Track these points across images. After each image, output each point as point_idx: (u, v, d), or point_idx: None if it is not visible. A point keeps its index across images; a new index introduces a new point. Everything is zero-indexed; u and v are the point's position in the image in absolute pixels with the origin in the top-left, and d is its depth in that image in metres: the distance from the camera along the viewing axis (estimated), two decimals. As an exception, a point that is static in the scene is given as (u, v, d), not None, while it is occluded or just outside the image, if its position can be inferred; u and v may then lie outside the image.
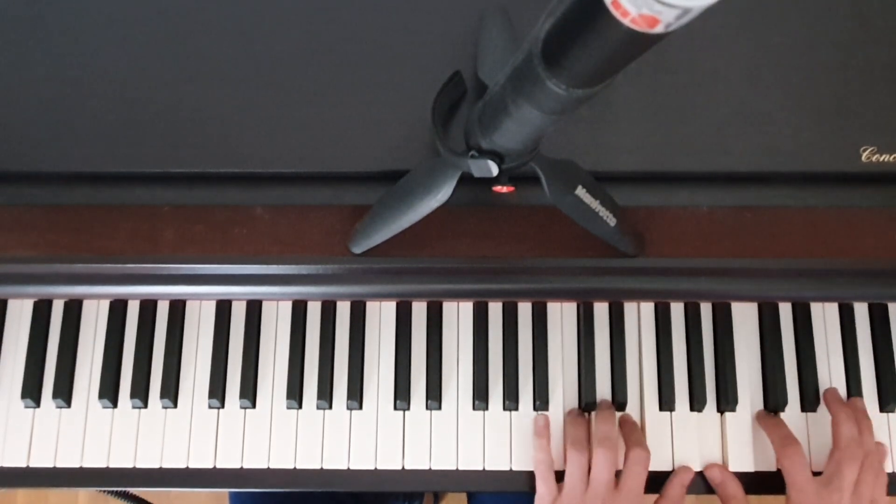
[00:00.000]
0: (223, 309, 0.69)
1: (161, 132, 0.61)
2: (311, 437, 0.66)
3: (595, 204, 0.54)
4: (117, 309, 0.69)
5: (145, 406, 0.67)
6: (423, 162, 0.55)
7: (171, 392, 0.67)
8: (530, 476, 0.65)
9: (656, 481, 0.65)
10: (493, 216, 0.61)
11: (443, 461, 0.66)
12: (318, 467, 0.66)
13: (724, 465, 0.66)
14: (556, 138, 0.59)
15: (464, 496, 0.89)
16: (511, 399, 0.67)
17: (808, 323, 0.68)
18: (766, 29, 0.62)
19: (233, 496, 0.84)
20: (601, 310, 0.69)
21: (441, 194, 0.52)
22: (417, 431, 0.67)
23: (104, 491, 0.89)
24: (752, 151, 0.60)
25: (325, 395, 0.66)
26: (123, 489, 0.89)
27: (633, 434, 0.65)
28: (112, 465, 0.66)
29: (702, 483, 0.66)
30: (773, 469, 0.66)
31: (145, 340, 0.68)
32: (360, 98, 0.61)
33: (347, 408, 0.67)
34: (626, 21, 0.27)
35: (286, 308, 0.69)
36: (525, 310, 0.69)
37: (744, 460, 0.66)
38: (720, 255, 0.61)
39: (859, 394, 0.67)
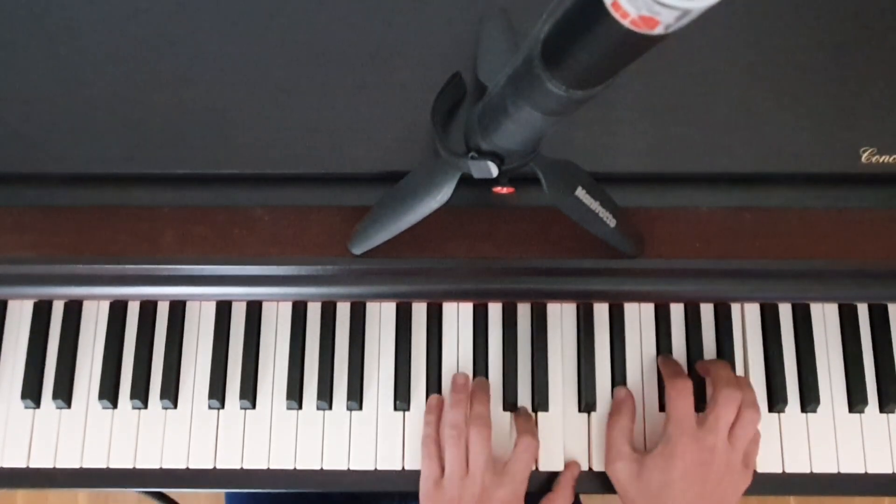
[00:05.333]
0: (223, 310, 0.69)
1: (161, 133, 0.61)
2: (311, 437, 0.66)
3: (595, 205, 0.54)
4: (117, 309, 0.69)
5: (145, 407, 0.67)
6: (423, 163, 0.55)
7: (171, 393, 0.67)
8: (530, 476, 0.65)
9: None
10: (493, 217, 0.61)
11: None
12: (318, 468, 0.66)
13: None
14: (556, 139, 0.59)
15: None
16: (510, 400, 0.67)
17: (808, 323, 0.68)
18: (766, 29, 0.62)
19: (229, 496, 0.84)
20: (601, 311, 0.69)
21: (441, 195, 0.52)
22: (418, 432, 0.66)
23: (142, 492, 0.89)
24: (752, 151, 0.60)
25: (325, 395, 0.66)
26: (158, 490, 0.89)
27: (526, 423, 0.65)
28: (112, 466, 0.66)
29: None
30: (780, 471, 0.66)
31: (145, 341, 0.68)
32: (360, 98, 0.61)
33: (347, 408, 0.67)
34: (625, 22, 0.27)
35: (286, 309, 0.69)
36: (525, 311, 0.69)
37: (744, 461, 0.66)
38: (720, 256, 0.61)
39: (863, 395, 0.67)
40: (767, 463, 0.66)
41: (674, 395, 0.62)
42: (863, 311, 0.69)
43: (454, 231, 0.61)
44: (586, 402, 0.66)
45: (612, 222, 0.55)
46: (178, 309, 0.69)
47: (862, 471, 0.66)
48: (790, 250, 0.61)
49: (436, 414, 0.65)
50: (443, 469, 0.62)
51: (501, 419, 0.67)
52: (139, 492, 0.89)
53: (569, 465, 0.66)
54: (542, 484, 0.66)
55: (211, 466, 0.66)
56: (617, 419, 0.65)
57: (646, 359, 0.68)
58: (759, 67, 0.61)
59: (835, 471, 0.66)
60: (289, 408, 0.67)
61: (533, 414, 0.67)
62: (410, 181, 0.56)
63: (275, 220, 0.61)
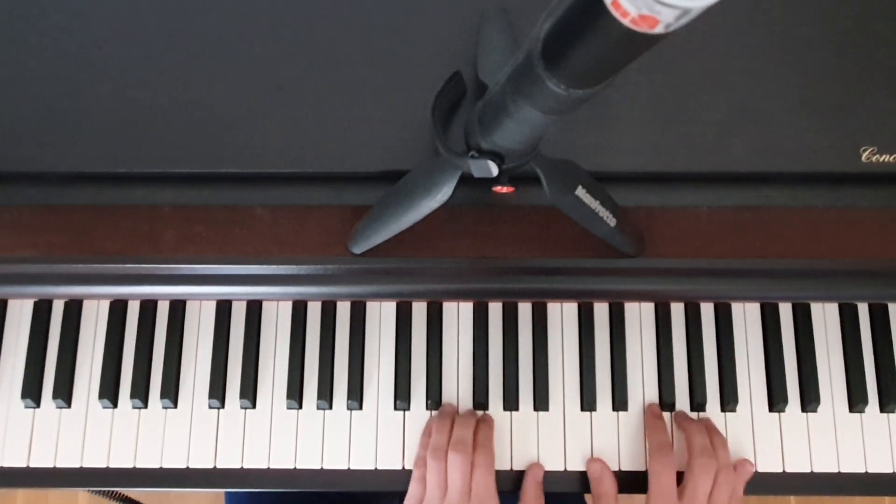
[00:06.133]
0: (223, 309, 0.69)
1: (161, 132, 0.61)
2: (311, 437, 0.66)
3: (595, 204, 0.54)
4: (117, 309, 0.69)
5: (145, 406, 0.67)
6: (423, 162, 0.55)
7: (171, 392, 0.67)
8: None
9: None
10: (494, 216, 0.61)
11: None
12: (318, 467, 0.66)
13: (605, 461, 0.65)
14: (556, 138, 0.59)
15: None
16: (511, 400, 0.67)
17: (808, 323, 0.68)
18: (766, 29, 0.62)
19: (229, 496, 0.84)
20: (601, 310, 0.69)
21: (441, 195, 0.52)
22: (417, 431, 0.66)
23: (94, 492, 0.89)
24: (752, 151, 0.60)
25: (326, 395, 0.66)
26: (115, 489, 0.89)
27: (480, 437, 0.63)
28: (112, 466, 0.66)
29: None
30: (780, 470, 0.66)
31: (145, 340, 0.68)
32: (360, 98, 0.61)
33: (347, 408, 0.67)
34: (625, 21, 0.27)
35: (286, 308, 0.69)
36: (525, 310, 0.69)
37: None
38: (720, 256, 0.61)
39: (863, 394, 0.67)
40: (767, 463, 0.66)
41: (658, 469, 0.62)
42: (863, 310, 0.69)
43: (454, 230, 0.61)
44: (587, 401, 0.66)
45: (612, 222, 0.55)
46: (178, 308, 0.69)
47: (862, 470, 0.66)
48: (790, 250, 0.61)
49: (429, 436, 0.65)
50: (426, 491, 0.62)
51: (502, 419, 0.67)
52: (95, 491, 0.88)
53: (529, 468, 0.65)
54: (548, 484, 0.66)
55: (211, 466, 0.66)
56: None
57: (646, 357, 0.68)
58: (759, 67, 0.61)
59: (835, 470, 0.66)
60: (289, 407, 0.67)
61: (492, 418, 0.66)
62: (410, 180, 0.56)
63: (275, 220, 0.61)
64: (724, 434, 0.66)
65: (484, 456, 0.62)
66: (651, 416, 0.66)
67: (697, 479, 0.61)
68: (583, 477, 0.66)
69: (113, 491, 0.91)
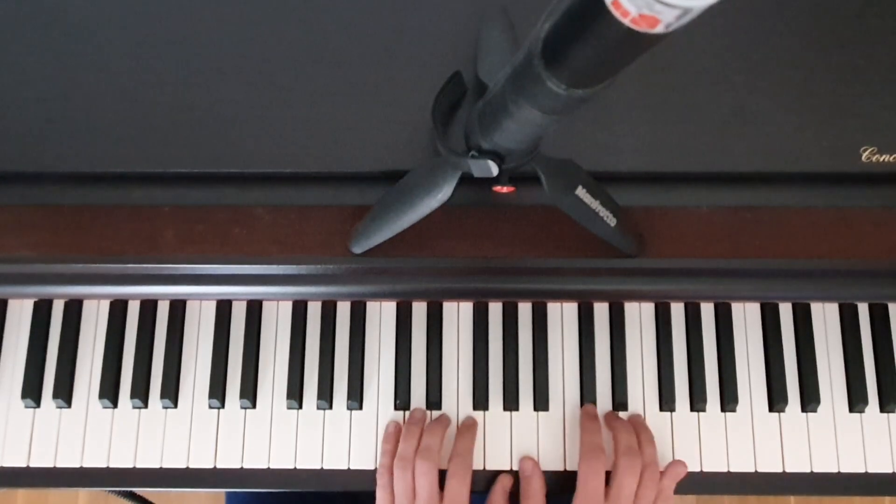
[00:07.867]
0: (223, 309, 0.69)
1: (161, 132, 0.61)
2: (311, 437, 0.66)
3: (595, 204, 0.54)
4: (117, 309, 0.69)
5: (145, 406, 0.67)
6: (424, 162, 0.55)
7: (171, 392, 0.67)
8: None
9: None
10: (494, 216, 0.61)
11: (443, 461, 0.66)
12: (318, 467, 0.66)
13: (537, 461, 0.65)
14: (556, 138, 0.59)
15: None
16: (511, 400, 0.67)
17: (808, 323, 0.68)
18: (765, 28, 0.62)
19: (229, 496, 0.84)
20: (601, 310, 0.69)
21: (441, 194, 0.52)
22: (417, 431, 0.66)
23: (110, 491, 0.89)
24: (752, 151, 0.60)
25: (326, 395, 0.66)
26: (128, 489, 0.89)
27: (459, 446, 0.64)
28: (112, 465, 0.66)
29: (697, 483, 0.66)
30: (780, 470, 0.66)
31: (145, 340, 0.68)
32: (360, 98, 0.61)
33: (347, 408, 0.67)
34: (626, 21, 0.27)
35: (286, 308, 0.69)
36: (525, 310, 0.69)
37: (744, 459, 0.66)
38: (720, 256, 0.61)
39: (863, 394, 0.67)
40: (767, 463, 0.66)
41: (586, 472, 0.62)
42: (863, 310, 0.69)
43: (454, 230, 0.61)
44: (587, 401, 0.66)
45: (612, 221, 0.55)
46: (178, 308, 0.69)
47: (862, 470, 0.66)
48: (790, 250, 0.61)
49: (392, 443, 0.65)
50: (394, 499, 0.62)
51: (502, 419, 0.67)
52: (113, 491, 0.89)
53: (499, 478, 0.65)
54: (554, 484, 0.66)
55: (211, 466, 0.66)
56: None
57: (646, 357, 0.68)
58: (758, 67, 0.62)
59: (835, 470, 0.66)
60: (289, 407, 0.67)
61: (476, 420, 0.66)
62: (411, 180, 0.56)
63: (275, 220, 0.61)
64: (724, 434, 0.66)
65: (461, 466, 0.62)
66: (586, 417, 0.65)
67: (622, 479, 0.61)
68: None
69: (129, 491, 0.91)
